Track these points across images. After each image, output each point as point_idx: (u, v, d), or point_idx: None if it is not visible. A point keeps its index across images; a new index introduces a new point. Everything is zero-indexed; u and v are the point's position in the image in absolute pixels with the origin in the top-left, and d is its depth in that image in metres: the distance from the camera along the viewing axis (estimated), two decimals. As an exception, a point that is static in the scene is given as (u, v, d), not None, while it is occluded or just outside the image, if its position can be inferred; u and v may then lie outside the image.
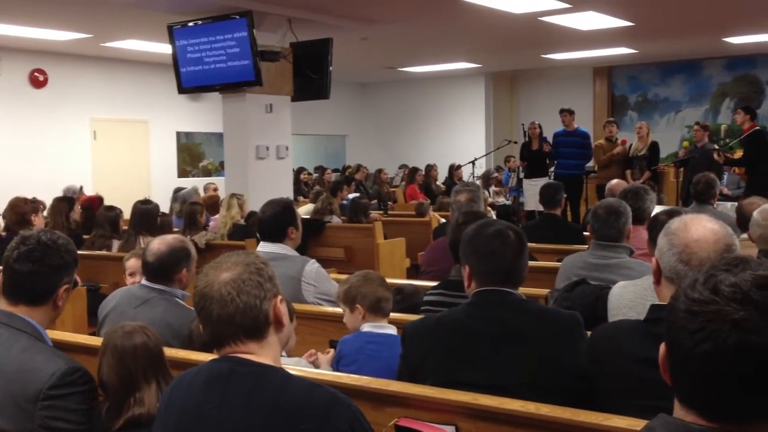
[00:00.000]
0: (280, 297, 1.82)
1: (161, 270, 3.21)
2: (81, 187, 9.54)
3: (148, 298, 3.20)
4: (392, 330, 2.95)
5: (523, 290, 2.54)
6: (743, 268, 1.16)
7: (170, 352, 2.63)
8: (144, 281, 3.29)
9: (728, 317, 1.10)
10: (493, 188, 12.45)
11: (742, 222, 4.23)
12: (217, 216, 7.40)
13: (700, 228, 2.06)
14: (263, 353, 1.77)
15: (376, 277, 3.11)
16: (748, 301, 1.11)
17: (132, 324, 2.41)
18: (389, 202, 11.87)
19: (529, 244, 5.29)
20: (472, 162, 11.49)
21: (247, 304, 1.75)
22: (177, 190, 9.28)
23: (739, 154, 9.72)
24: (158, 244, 3.27)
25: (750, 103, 12.30)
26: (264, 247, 3.89)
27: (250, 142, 8.23)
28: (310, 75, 8.37)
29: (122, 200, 7.97)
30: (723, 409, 1.14)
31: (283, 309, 1.82)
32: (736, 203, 5.89)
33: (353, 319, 3.03)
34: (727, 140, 10.69)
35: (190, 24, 8.01)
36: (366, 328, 2.97)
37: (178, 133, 13.41)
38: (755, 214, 3.69)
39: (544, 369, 2.28)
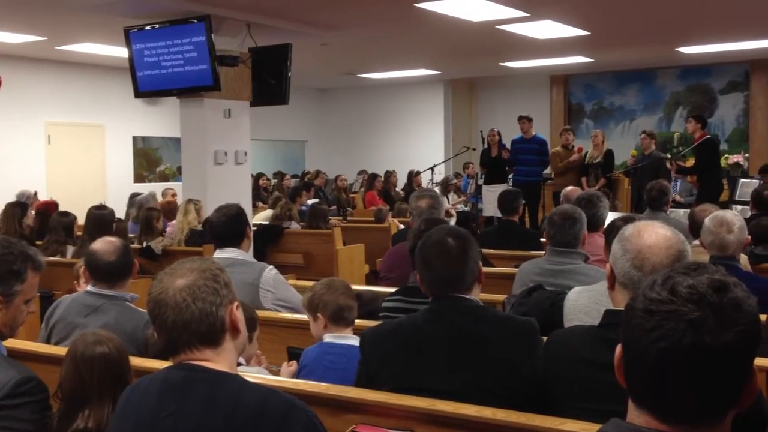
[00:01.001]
0: (236, 303, 1.81)
1: (116, 273, 3.16)
2: (35, 192, 9.36)
3: (98, 305, 3.14)
4: (354, 341, 2.90)
5: (480, 296, 2.56)
6: (701, 272, 1.20)
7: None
8: (91, 287, 3.21)
9: (684, 317, 1.13)
10: (452, 194, 12.53)
11: (694, 229, 4.31)
12: (174, 222, 7.32)
13: (653, 234, 2.10)
14: (219, 360, 1.76)
15: (340, 285, 3.07)
16: (704, 302, 1.14)
17: (102, 333, 2.35)
18: (348, 208, 11.86)
19: (487, 251, 5.40)
20: (431, 168, 11.55)
21: (202, 310, 1.74)
22: (133, 196, 9.17)
23: (691, 162, 9.93)
24: (107, 246, 3.20)
25: (702, 111, 12.57)
26: (220, 253, 3.87)
27: (208, 147, 8.15)
28: (268, 80, 8.33)
29: (77, 205, 7.83)
30: (675, 409, 1.16)
31: (239, 315, 1.81)
32: (688, 210, 6.01)
33: (316, 327, 3.01)
34: (680, 148, 10.92)
35: (148, 28, 7.92)
36: (327, 338, 2.95)
37: (135, 138, 13.24)
38: (707, 221, 3.76)
39: (501, 375, 2.30)
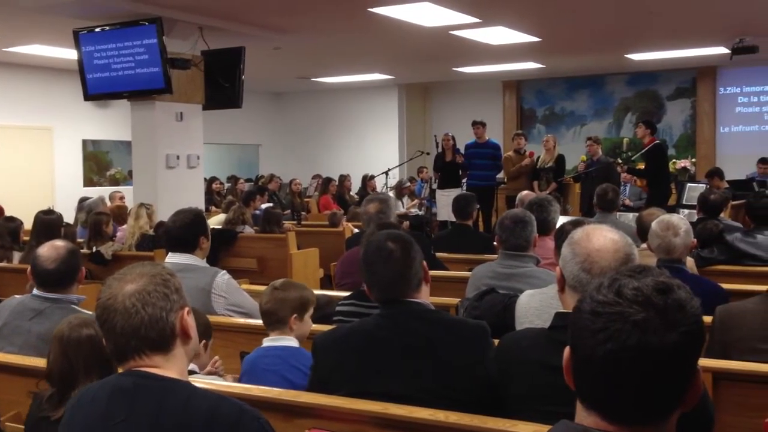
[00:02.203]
0: (187, 309, 1.79)
1: (64, 276, 3.11)
2: (-20, 197, 9.13)
3: (41, 309, 3.08)
4: (288, 342, 2.90)
5: (434, 300, 2.57)
6: (646, 275, 1.22)
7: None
8: (36, 291, 3.16)
9: (630, 318, 1.15)
10: (406, 199, 12.57)
11: (642, 232, 4.38)
12: (124, 226, 7.22)
13: (601, 238, 2.13)
14: (169, 366, 1.74)
15: (277, 285, 3.03)
16: (649, 304, 1.16)
17: (85, 316, 2.41)
18: (303, 213, 11.82)
19: (441, 254, 5.42)
20: (386, 172, 11.57)
21: (152, 316, 1.71)
22: (83, 200, 9.01)
23: (641, 167, 10.12)
24: (52, 250, 3.15)
25: (651, 117, 12.82)
26: (172, 258, 3.81)
27: (160, 150, 8.06)
28: (221, 83, 8.28)
29: (24, 210, 7.67)
30: (622, 409, 1.18)
31: (190, 321, 1.78)
32: (637, 214, 6.12)
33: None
34: (629, 153, 11.11)
35: (98, 30, 7.81)
36: (265, 342, 2.94)
37: (85, 141, 13.00)
38: (653, 225, 3.81)
39: (453, 378, 2.31)
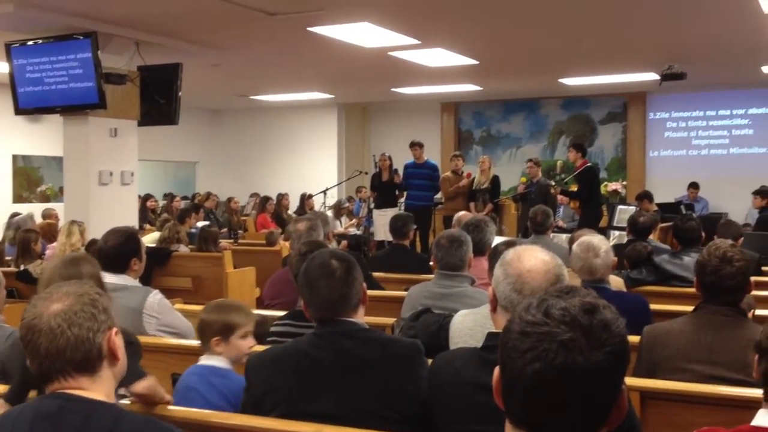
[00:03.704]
0: (115, 329, 1.75)
1: None
2: None
3: None
4: (216, 362, 2.86)
5: (370, 320, 2.57)
6: (573, 295, 1.24)
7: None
8: None
9: (557, 338, 1.17)
10: (344, 218, 12.57)
11: (574, 253, 4.46)
12: (54, 244, 7.03)
13: (533, 259, 2.17)
14: (95, 389, 1.70)
15: (210, 305, 3.00)
16: (576, 324, 1.18)
17: None
18: (240, 231, 11.70)
19: (378, 274, 5.41)
20: (324, 192, 11.56)
21: (78, 337, 1.67)
22: (12, 216, 8.76)
23: (574, 188, 10.34)
24: None
25: (583, 140, 13.14)
26: (103, 278, 3.73)
27: (93, 167, 7.89)
28: (158, 99, 8.17)
29: (-52, 227, 7.41)
30: (549, 428, 1.19)
31: (118, 342, 1.75)
32: (570, 235, 6.23)
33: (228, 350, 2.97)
34: (563, 175, 11.34)
35: (30, 43, 7.64)
36: (199, 360, 2.92)
37: (15, 156, 12.65)
38: (575, 247, 3.88)
39: (387, 397, 2.31)
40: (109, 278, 3.70)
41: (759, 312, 3.61)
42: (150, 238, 8.18)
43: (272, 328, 3.37)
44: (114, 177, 8.10)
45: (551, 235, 6.54)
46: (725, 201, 12.67)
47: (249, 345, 2.95)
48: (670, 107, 13.99)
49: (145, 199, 12.06)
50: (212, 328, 2.88)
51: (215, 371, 2.82)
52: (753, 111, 13.45)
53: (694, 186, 12.83)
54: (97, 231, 6.17)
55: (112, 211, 7.84)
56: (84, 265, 2.91)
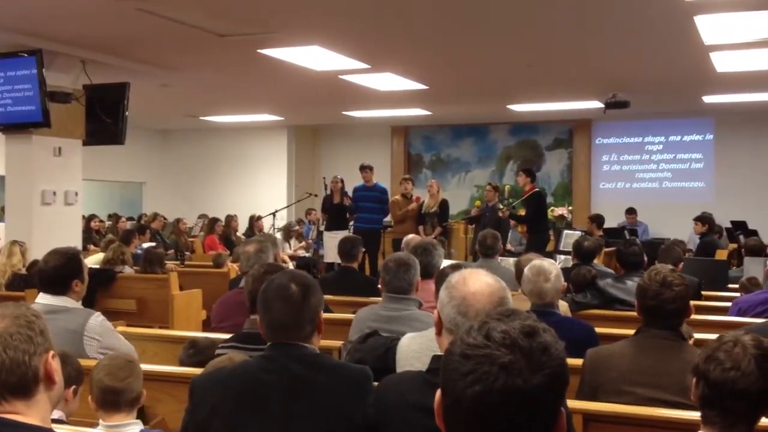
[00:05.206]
0: (52, 353, 1.71)
1: None
2: None
3: None
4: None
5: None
6: (513, 318, 1.25)
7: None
8: None
9: (497, 360, 1.18)
10: (294, 240, 12.51)
11: (520, 276, 4.51)
12: (-6, 265, 6.85)
13: (477, 282, 2.18)
14: (31, 413, 1.65)
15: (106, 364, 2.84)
16: (516, 346, 1.19)
17: None
18: (187, 253, 11.55)
19: (326, 297, 5.37)
20: (273, 213, 11.50)
21: (14, 359, 1.63)
22: (-51, 236, 8.51)
23: (522, 213, 10.48)
24: None
25: (531, 166, 13.35)
26: (43, 299, 3.64)
27: (36, 186, 7.75)
28: (104, 119, 8.06)
29: None
30: (491, 452, 1.20)
31: (55, 365, 1.71)
32: (517, 259, 6.30)
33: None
34: (511, 200, 11.49)
35: (-28, 59, 7.49)
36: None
37: (-47, 175, 12.31)
38: (525, 270, 3.92)
39: (335, 423, 2.29)
40: (48, 300, 3.63)
41: (699, 336, 3.69)
42: (94, 259, 8.02)
43: (218, 351, 3.33)
44: (57, 197, 7.96)
45: (499, 259, 6.61)
46: (667, 227, 12.97)
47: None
48: (614, 134, 14.32)
49: (89, 219, 11.83)
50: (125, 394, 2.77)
51: None
52: (694, 137, 13.87)
53: (630, 212, 13.14)
54: (39, 251, 6.04)
55: (55, 231, 7.70)
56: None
